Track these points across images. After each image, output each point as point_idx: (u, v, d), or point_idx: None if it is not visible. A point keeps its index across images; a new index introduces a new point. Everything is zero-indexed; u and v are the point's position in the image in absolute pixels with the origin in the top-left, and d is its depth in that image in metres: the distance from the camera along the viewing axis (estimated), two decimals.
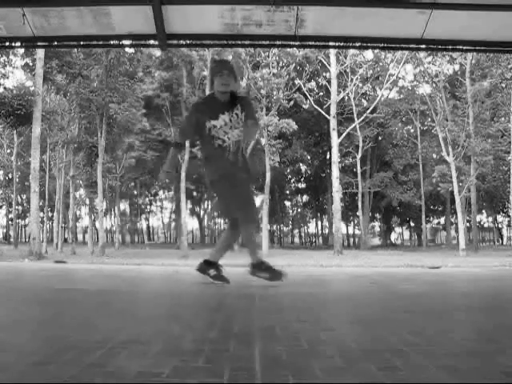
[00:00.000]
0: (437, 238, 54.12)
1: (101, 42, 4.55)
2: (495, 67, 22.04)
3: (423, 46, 4.70)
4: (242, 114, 3.41)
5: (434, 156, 31.43)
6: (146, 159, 28.30)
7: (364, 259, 13.48)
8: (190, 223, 47.63)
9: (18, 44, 4.48)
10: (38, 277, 4.64)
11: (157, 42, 4.33)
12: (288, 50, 21.10)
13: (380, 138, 33.66)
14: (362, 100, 30.64)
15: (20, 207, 42.36)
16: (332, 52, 22.42)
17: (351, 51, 23.63)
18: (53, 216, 29.83)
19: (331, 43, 4.65)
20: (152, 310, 2.34)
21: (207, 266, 3.45)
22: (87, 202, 31.59)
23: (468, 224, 31.89)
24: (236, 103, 3.42)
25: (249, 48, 20.40)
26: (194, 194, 41.25)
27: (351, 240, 48.10)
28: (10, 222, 39.63)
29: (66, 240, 33.17)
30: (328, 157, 33.56)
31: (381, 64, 27.55)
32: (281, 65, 24.43)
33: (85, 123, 20.49)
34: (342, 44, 4.66)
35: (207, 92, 24.30)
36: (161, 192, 47.96)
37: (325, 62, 24.06)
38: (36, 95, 15.04)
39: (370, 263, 9.65)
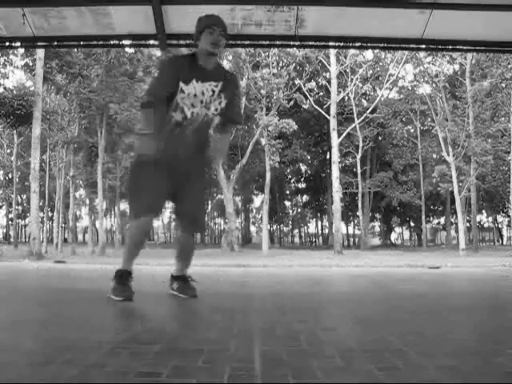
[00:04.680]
0: (437, 237, 54.03)
1: (101, 42, 4.54)
2: (495, 67, 22.02)
3: (423, 46, 4.69)
4: (222, 95, 2.59)
5: (434, 156, 31.40)
6: None
7: (364, 259, 13.45)
8: None
9: (18, 44, 4.47)
10: (38, 277, 4.64)
11: (157, 42, 4.32)
12: (288, 49, 21.10)
13: (380, 138, 33.62)
14: (362, 100, 30.62)
15: (20, 207, 42.31)
16: (332, 52, 22.41)
17: (351, 51, 23.62)
18: (53, 216, 29.79)
19: (331, 43, 4.65)
20: (152, 310, 2.34)
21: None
22: (87, 202, 31.58)
23: (468, 224, 31.86)
24: (220, 78, 2.60)
25: (249, 48, 20.38)
26: None
27: (351, 240, 48.05)
28: (10, 222, 39.64)
29: (65, 240, 33.14)
30: (328, 157, 33.53)
31: (381, 64, 27.53)
32: (281, 65, 24.42)
33: (85, 123, 20.48)
34: (341, 44, 4.65)
35: None
36: None
37: (325, 62, 24.05)
38: (36, 95, 15.02)
39: (370, 263, 9.64)
